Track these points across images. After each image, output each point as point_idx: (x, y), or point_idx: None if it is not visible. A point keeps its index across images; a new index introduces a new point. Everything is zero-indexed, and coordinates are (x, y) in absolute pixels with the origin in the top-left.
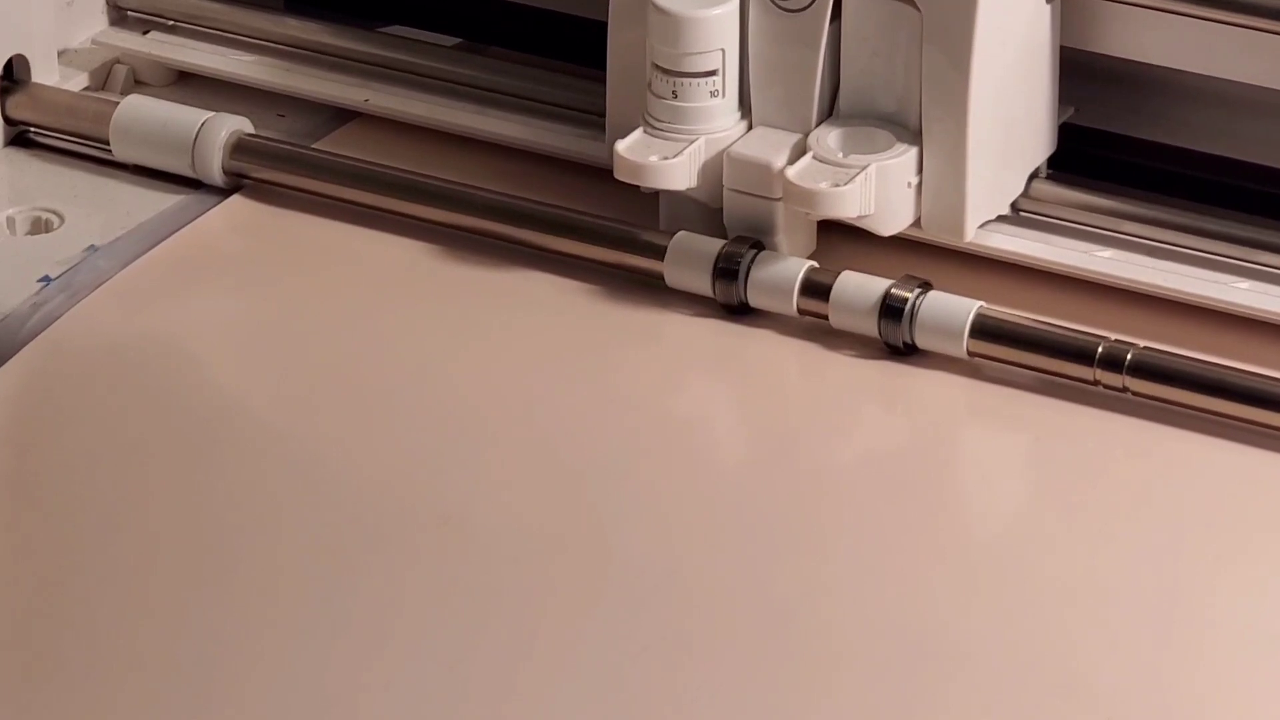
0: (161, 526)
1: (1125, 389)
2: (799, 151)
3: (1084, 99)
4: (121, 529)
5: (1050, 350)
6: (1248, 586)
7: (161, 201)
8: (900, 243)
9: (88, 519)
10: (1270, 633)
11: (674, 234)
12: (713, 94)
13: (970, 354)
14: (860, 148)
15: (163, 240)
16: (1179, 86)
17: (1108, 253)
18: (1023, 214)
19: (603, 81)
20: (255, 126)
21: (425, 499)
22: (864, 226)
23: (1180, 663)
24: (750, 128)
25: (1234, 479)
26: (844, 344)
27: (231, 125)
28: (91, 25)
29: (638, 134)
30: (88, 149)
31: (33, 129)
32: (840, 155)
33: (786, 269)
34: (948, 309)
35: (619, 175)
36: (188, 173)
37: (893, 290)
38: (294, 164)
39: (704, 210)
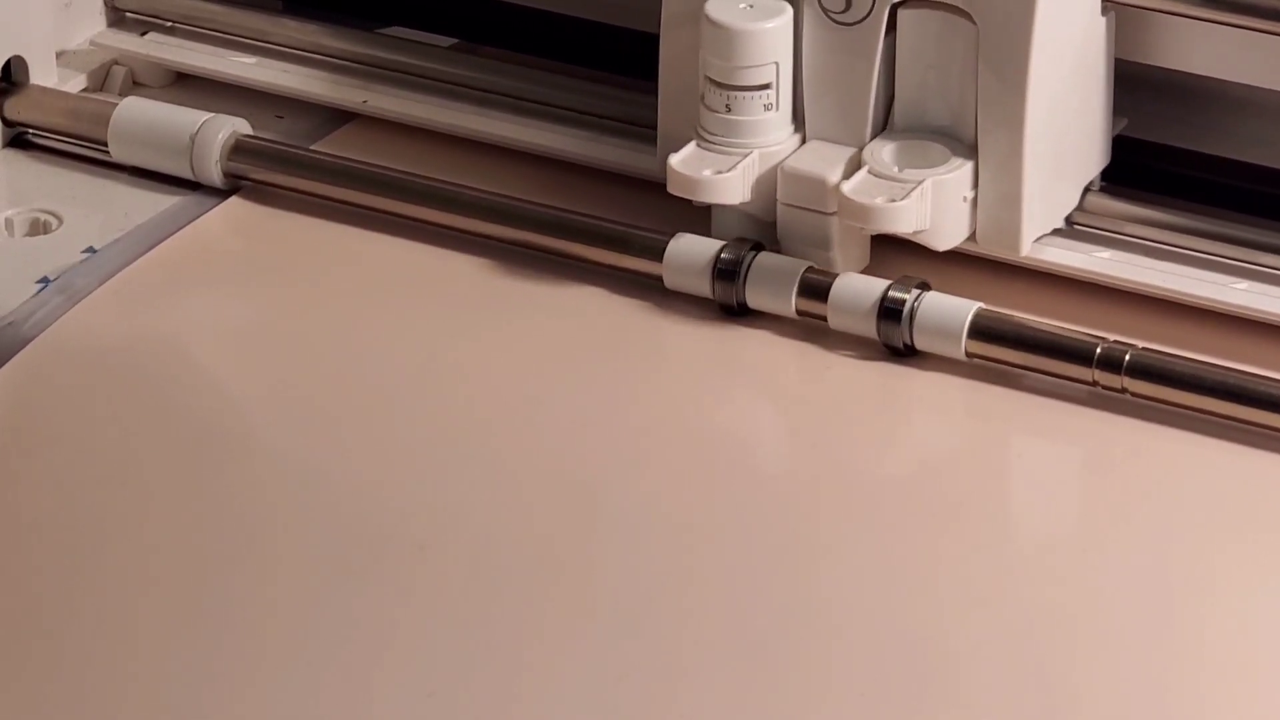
0: (159, 528)
1: (1124, 390)
2: (853, 166)
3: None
4: (119, 531)
5: (1049, 351)
6: (1247, 587)
7: (160, 203)
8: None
9: (86, 521)
10: (1270, 633)
11: (673, 235)
12: (766, 107)
13: (969, 355)
14: (915, 162)
15: (161, 241)
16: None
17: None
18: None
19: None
20: (254, 128)
21: (425, 500)
22: (919, 241)
23: (1179, 663)
24: (804, 141)
25: (1233, 480)
26: (843, 345)
27: (230, 126)
28: (90, 27)
29: (691, 148)
30: (86, 150)
31: (31, 130)
32: (896, 170)
33: (785, 270)
34: (946, 310)
35: (672, 189)
36: (186, 174)
37: (891, 292)
38: (292, 165)
39: (756, 223)
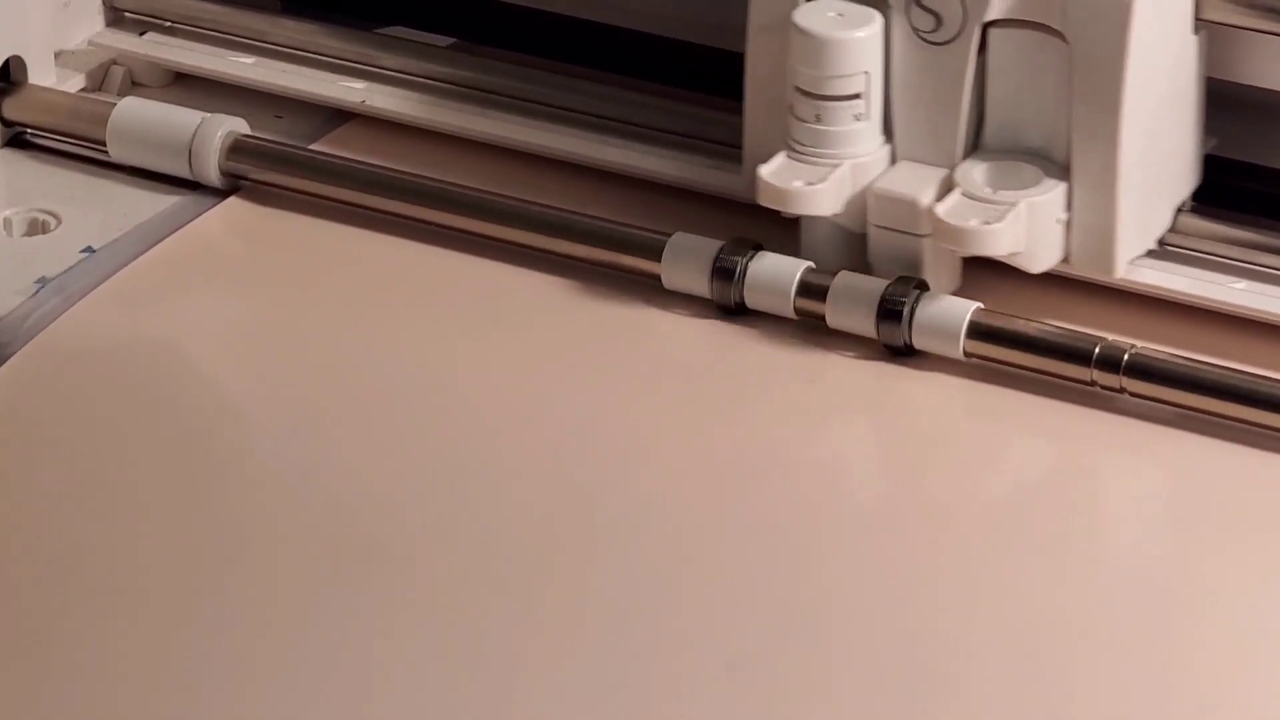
0: (157, 528)
1: (1122, 389)
2: (945, 187)
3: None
4: (117, 531)
5: (1047, 351)
6: (1246, 587)
7: (158, 203)
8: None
9: (83, 520)
10: (1270, 633)
11: (671, 235)
12: (857, 117)
13: (967, 355)
14: (1008, 183)
15: (160, 241)
16: None
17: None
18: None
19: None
20: (252, 127)
21: (424, 502)
22: (1013, 264)
23: (1179, 663)
24: (894, 152)
25: (1232, 480)
26: (841, 345)
27: (228, 126)
28: (88, 26)
29: (780, 158)
30: (85, 150)
31: (29, 130)
32: (990, 191)
33: (783, 270)
34: (945, 310)
35: (762, 200)
36: (185, 174)
37: (890, 292)
38: (291, 165)
39: (846, 235)
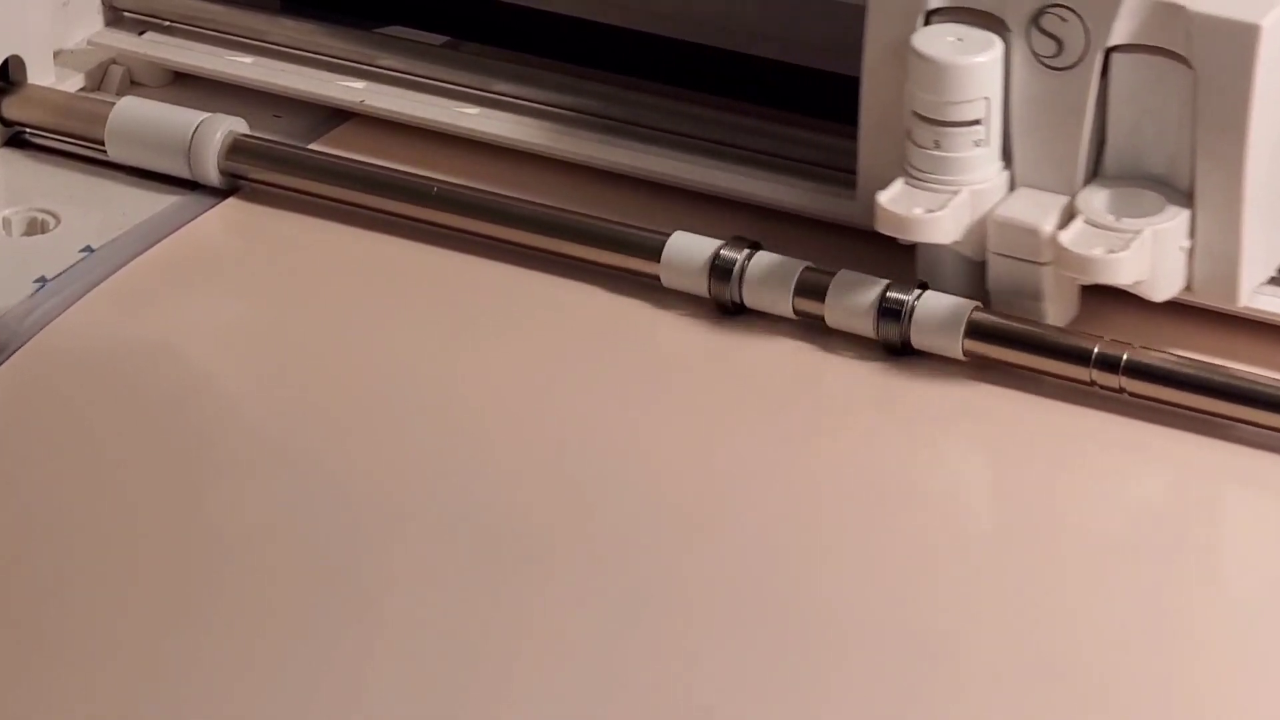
0: (156, 528)
1: (1121, 389)
2: (1067, 215)
3: None
4: (115, 530)
5: (1046, 351)
6: (1246, 587)
7: (157, 202)
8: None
9: (81, 519)
10: (1271, 634)
11: (670, 234)
12: (976, 143)
13: (966, 354)
14: (1130, 210)
15: (159, 241)
16: None
17: None
18: None
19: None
20: (251, 127)
21: (424, 502)
22: (1136, 292)
23: (1178, 664)
24: (1012, 178)
25: (1231, 480)
26: (840, 344)
27: (227, 126)
28: (87, 26)
29: (899, 185)
30: (84, 150)
31: (28, 130)
32: (1113, 219)
33: (782, 270)
34: (944, 310)
35: (881, 228)
36: (184, 174)
37: (889, 291)
38: (290, 165)
39: (963, 262)
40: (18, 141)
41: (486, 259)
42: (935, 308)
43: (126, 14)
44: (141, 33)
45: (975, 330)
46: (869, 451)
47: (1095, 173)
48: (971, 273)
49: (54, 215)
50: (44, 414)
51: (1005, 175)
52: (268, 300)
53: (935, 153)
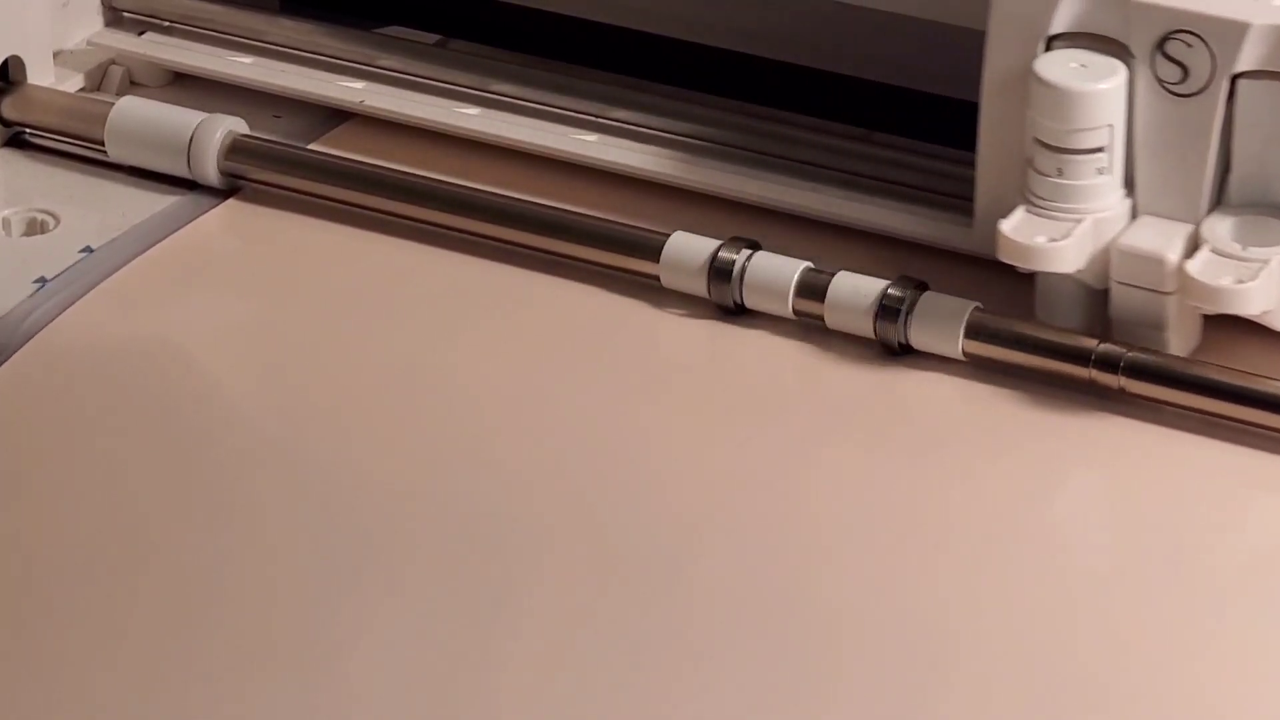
0: (156, 528)
1: (1120, 389)
2: (1191, 243)
3: None
4: (115, 530)
5: (1046, 351)
6: (1246, 587)
7: (157, 203)
8: None
9: (82, 520)
10: (1271, 634)
11: (670, 234)
12: (1099, 171)
13: (965, 354)
14: (1256, 239)
15: (158, 242)
16: None
17: None
18: None
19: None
20: (251, 127)
21: (424, 502)
22: (1262, 322)
23: (1179, 664)
24: (1135, 206)
25: (1231, 480)
26: (839, 344)
27: (227, 126)
28: (87, 26)
29: (1021, 213)
30: (83, 150)
31: (28, 130)
32: (1239, 248)
33: (782, 270)
34: (943, 310)
35: (1003, 256)
36: (183, 174)
37: (889, 291)
38: (290, 165)
39: (1085, 291)
40: (17, 142)
41: (486, 259)
42: (934, 308)
43: (126, 14)
44: (141, 33)
45: (975, 330)
46: (868, 452)
47: (1219, 200)
48: (1092, 301)
49: (54, 215)
50: (44, 414)
51: (1128, 203)
52: (268, 300)
53: (1058, 180)
